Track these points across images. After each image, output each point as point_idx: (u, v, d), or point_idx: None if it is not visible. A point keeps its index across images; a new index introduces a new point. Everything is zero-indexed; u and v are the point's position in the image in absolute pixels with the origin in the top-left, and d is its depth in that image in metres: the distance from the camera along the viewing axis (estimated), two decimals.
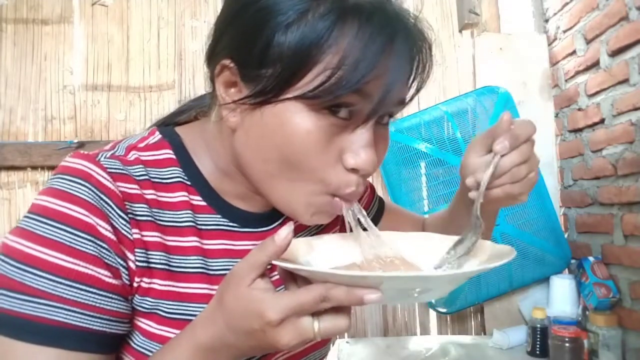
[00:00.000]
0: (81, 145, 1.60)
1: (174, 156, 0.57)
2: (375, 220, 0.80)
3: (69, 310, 0.46)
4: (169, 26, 1.72)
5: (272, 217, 0.64)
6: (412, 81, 0.54)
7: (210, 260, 0.57)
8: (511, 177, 0.55)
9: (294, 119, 0.48)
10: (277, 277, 0.48)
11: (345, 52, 0.46)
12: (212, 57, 0.54)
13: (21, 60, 1.64)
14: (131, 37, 1.70)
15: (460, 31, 1.80)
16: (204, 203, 0.57)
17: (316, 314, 0.42)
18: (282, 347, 0.43)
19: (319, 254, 0.54)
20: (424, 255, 0.55)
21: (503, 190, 0.55)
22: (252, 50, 0.48)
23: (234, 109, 0.52)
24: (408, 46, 0.49)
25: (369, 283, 0.41)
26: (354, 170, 0.51)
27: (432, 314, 1.71)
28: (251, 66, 0.49)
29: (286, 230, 0.44)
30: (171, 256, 0.54)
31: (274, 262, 0.43)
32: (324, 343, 0.69)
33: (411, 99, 0.56)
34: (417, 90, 0.55)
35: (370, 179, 2.00)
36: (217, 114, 0.56)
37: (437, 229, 0.76)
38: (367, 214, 0.79)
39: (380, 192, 1.72)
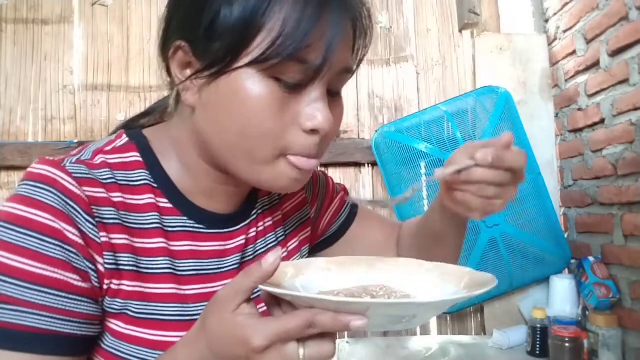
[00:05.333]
0: (81, 145, 1.60)
1: (140, 159, 0.58)
2: (347, 225, 0.80)
3: (39, 315, 0.46)
4: None
5: (238, 217, 0.64)
6: (356, 49, 0.56)
7: (178, 261, 0.57)
8: (477, 190, 0.55)
9: (247, 85, 0.50)
10: (264, 309, 0.49)
11: (287, 13, 0.48)
12: (165, 43, 0.55)
13: (21, 60, 1.64)
14: (131, 37, 1.70)
15: (460, 31, 1.80)
16: (170, 205, 0.58)
17: (301, 340, 0.42)
18: None
19: (304, 279, 0.53)
20: (411, 282, 0.55)
21: (462, 197, 0.56)
22: (200, 26, 0.50)
23: (191, 87, 0.53)
24: (344, 5, 0.52)
25: (355, 309, 0.40)
26: (312, 132, 0.53)
27: None
28: (202, 41, 0.51)
29: (274, 255, 0.43)
30: (139, 258, 0.54)
31: (260, 286, 0.43)
32: None
33: (357, 67, 0.58)
34: (362, 57, 0.57)
35: (370, 179, 1.97)
36: (175, 99, 0.58)
37: (411, 234, 0.76)
38: (338, 218, 0.79)
39: (380, 192, 1.73)
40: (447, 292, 0.51)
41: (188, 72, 0.53)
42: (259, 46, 0.48)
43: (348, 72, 0.56)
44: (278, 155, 0.53)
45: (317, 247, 0.79)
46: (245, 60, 0.49)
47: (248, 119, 0.50)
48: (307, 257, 0.75)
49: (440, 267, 0.55)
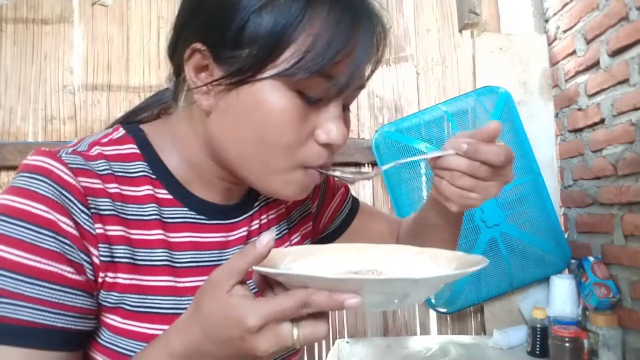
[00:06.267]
0: None
1: (138, 151, 0.57)
2: (348, 220, 0.81)
3: (33, 308, 0.46)
4: (168, 26, 1.72)
5: (240, 209, 0.64)
6: (371, 64, 0.56)
7: (176, 253, 0.57)
8: (450, 177, 0.56)
9: (271, 98, 0.50)
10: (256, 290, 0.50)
11: (319, 29, 0.48)
12: (178, 44, 0.55)
13: (21, 60, 1.64)
14: (131, 37, 1.70)
15: (460, 31, 1.80)
16: (169, 196, 0.58)
17: (295, 320, 0.42)
18: (260, 354, 0.42)
19: (296, 266, 0.53)
20: (402, 266, 0.55)
21: (438, 183, 0.58)
22: (226, 32, 0.49)
23: (207, 91, 0.53)
24: (371, 24, 0.52)
25: (349, 287, 0.40)
26: (326, 145, 0.54)
27: (432, 314, 1.71)
28: (226, 47, 0.50)
29: (268, 236, 0.43)
30: (135, 250, 0.54)
31: (254, 267, 0.43)
32: None
33: (368, 79, 0.58)
34: (373, 71, 0.58)
35: (370, 179, 1.96)
36: (186, 99, 0.57)
37: (408, 229, 0.78)
38: (339, 214, 0.80)
39: (380, 192, 1.73)
40: (438, 270, 0.51)
41: (203, 75, 0.53)
42: (286, 60, 0.48)
43: (361, 88, 0.57)
44: (295, 167, 0.54)
45: (319, 242, 0.80)
46: (272, 72, 0.49)
47: (269, 130, 0.51)
48: None
49: (429, 251, 0.56)
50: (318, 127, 0.53)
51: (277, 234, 0.69)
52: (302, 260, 0.54)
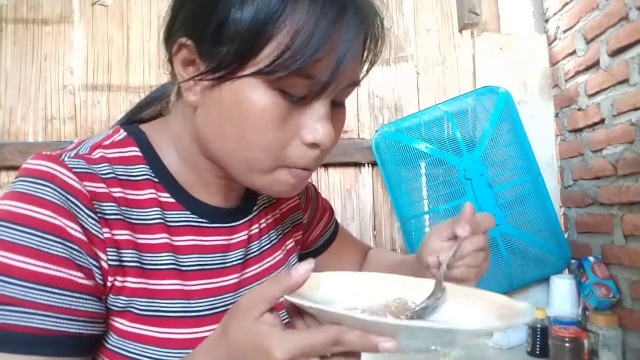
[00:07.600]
0: None
1: (140, 153, 0.57)
2: (331, 240, 0.83)
3: (44, 315, 0.45)
4: None
5: (240, 213, 0.64)
6: (365, 57, 0.55)
7: (181, 257, 0.56)
8: (470, 260, 0.57)
9: (251, 96, 0.48)
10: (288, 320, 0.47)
11: (298, 26, 0.46)
12: (170, 36, 0.54)
13: (21, 60, 1.64)
14: (131, 37, 1.70)
15: (460, 31, 1.80)
16: (172, 200, 0.57)
17: (324, 357, 0.40)
18: None
19: (325, 293, 0.49)
20: (444, 307, 0.51)
21: (461, 273, 0.58)
22: (208, 27, 0.48)
23: (193, 86, 0.52)
24: (359, 19, 0.49)
25: (384, 330, 0.38)
26: (312, 146, 0.52)
27: None
28: (208, 43, 0.49)
29: (306, 266, 0.42)
30: (142, 254, 0.53)
31: (285, 297, 0.42)
32: None
33: (366, 73, 0.57)
34: (371, 65, 0.56)
35: (370, 179, 1.97)
36: (176, 94, 0.57)
37: (379, 268, 0.75)
38: (325, 233, 0.81)
39: (380, 192, 1.73)
40: (481, 319, 0.46)
41: (191, 69, 0.52)
42: (266, 57, 0.47)
43: (354, 84, 0.55)
44: (276, 166, 0.53)
45: (303, 257, 0.79)
46: (251, 69, 0.48)
47: (249, 129, 0.49)
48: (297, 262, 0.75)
49: (475, 292, 0.51)
50: (303, 126, 0.51)
51: (274, 240, 0.68)
52: (340, 288, 0.50)
